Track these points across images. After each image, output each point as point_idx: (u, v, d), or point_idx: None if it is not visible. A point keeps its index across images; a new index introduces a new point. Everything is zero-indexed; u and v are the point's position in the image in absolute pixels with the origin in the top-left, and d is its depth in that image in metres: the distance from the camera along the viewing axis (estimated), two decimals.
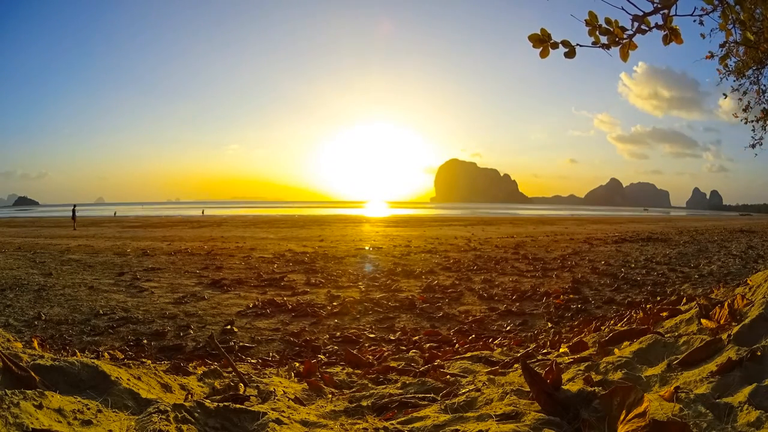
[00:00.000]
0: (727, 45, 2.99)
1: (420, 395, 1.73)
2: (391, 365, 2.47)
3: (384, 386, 1.98)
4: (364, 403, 1.66)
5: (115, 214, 41.91)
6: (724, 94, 4.49)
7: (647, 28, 1.54)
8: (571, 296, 4.95)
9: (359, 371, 2.36)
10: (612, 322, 3.00)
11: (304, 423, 1.38)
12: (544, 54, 1.57)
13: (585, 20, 1.54)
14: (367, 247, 10.62)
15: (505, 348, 2.85)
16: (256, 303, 4.64)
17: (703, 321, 1.87)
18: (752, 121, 4.71)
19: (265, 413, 1.31)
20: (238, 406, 1.32)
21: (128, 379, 1.53)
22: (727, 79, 4.35)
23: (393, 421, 1.39)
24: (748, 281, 2.39)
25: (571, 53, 1.58)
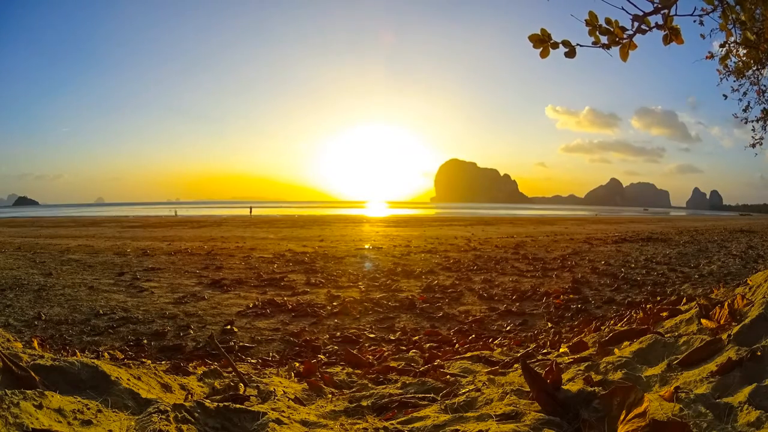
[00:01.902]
0: (727, 45, 2.99)
1: (420, 395, 1.73)
2: (391, 365, 2.47)
3: (384, 386, 1.98)
4: (364, 403, 1.66)
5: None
6: (724, 95, 4.49)
7: (647, 28, 1.54)
8: (571, 296, 4.95)
9: (359, 371, 2.36)
10: (612, 322, 3.01)
11: (304, 423, 1.38)
12: (544, 54, 1.57)
13: (585, 20, 1.54)
14: (367, 247, 10.62)
15: (505, 348, 2.85)
16: (256, 303, 4.64)
17: (703, 321, 1.87)
18: (752, 121, 4.71)
19: (265, 413, 1.31)
20: (238, 406, 1.32)
21: (128, 379, 1.53)
22: (727, 80, 4.36)
23: (393, 421, 1.39)
24: (748, 281, 2.39)
25: (571, 53, 1.58)
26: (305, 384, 2.01)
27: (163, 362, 2.37)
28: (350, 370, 2.42)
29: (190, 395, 1.71)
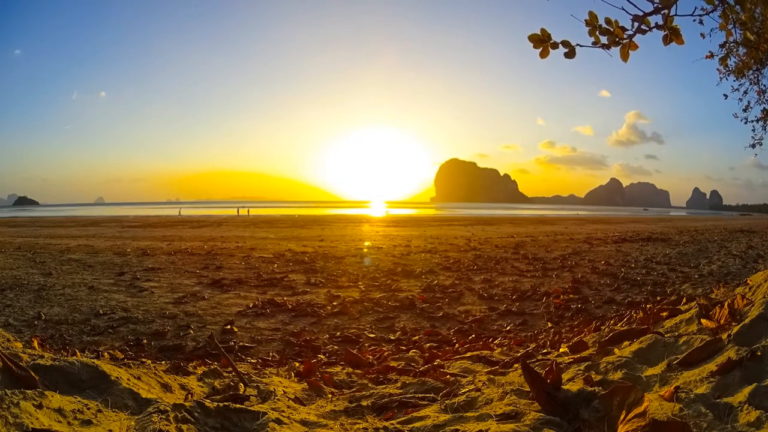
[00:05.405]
0: (727, 45, 2.99)
1: (420, 395, 1.73)
2: (391, 365, 2.47)
3: (384, 386, 1.98)
4: (364, 403, 1.66)
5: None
6: (725, 95, 4.49)
7: (647, 28, 1.54)
8: (571, 296, 4.95)
9: (359, 371, 2.36)
10: (612, 322, 3.01)
11: (304, 423, 1.38)
12: (544, 54, 1.57)
13: (585, 20, 1.54)
14: (367, 246, 10.62)
15: (505, 348, 2.85)
16: (256, 303, 4.64)
17: (703, 321, 1.87)
18: (752, 121, 4.71)
19: (265, 413, 1.31)
20: (238, 405, 1.32)
21: (128, 379, 1.53)
22: (727, 79, 4.36)
23: (393, 421, 1.39)
24: (748, 281, 2.39)
25: (571, 53, 1.58)
26: (305, 384, 2.01)
27: (163, 362, 2.37)
28: (350, 369, 2.42)
29: (190, 395, 1.71)
